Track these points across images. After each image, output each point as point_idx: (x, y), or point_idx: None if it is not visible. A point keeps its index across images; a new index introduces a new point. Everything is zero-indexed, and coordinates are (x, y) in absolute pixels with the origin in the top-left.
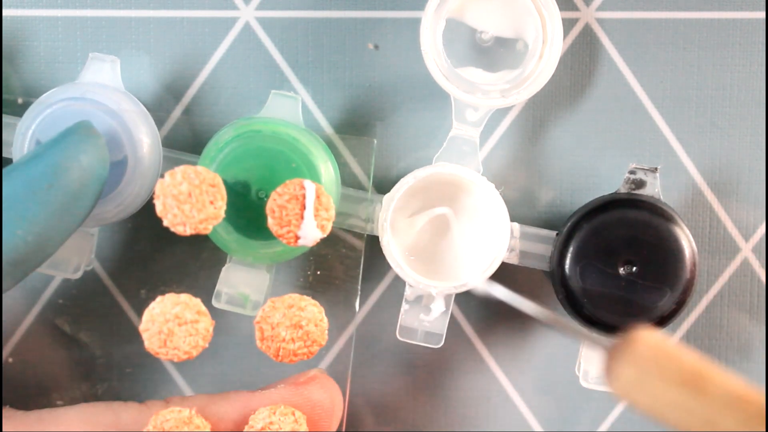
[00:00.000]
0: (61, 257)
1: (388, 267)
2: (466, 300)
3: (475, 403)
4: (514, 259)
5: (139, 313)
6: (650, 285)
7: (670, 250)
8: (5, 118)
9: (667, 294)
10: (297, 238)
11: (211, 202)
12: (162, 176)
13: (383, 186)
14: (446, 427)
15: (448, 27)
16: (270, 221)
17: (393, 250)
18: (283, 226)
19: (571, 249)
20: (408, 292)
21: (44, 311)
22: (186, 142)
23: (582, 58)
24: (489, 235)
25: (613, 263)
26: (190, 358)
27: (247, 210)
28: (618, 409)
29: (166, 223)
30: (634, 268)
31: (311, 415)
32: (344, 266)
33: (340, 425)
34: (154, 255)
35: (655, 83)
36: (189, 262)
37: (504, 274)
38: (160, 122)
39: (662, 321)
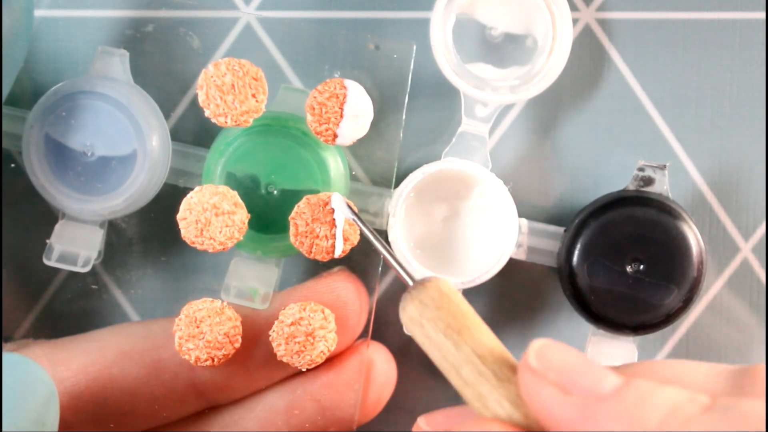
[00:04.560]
0: (71, 251)
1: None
2: (467, 299)
3: None
4: (522, 255)
5: (138, 307)
6: (657, 282)
7: (678, 248)
8: (14, 111)
9: (674, 292)
10: (335, 136)
11: (254, 95)
12: (171, 168)
13: (390, 181)
14: None
15: (457, 23)
16: (309, 118)
17: (401, 245)
18: (322, 124)
19: (578, 246)
20: None
21: (49, 305)
22: (194, 136)
23: (582, 58)
24: (497, 230)
25: (620, 261)
26: (225, 249)
27: (256, 204)
28: None
29: (207, 114)
30: (642, 266)
31: (339, 314)
32: (358, 261)
33: (366, 328)
34: (162, 248)
35: (655, 83)
36: (197, 255)
37: (512, 270)
38: (167, 116)
39: (669, 318)
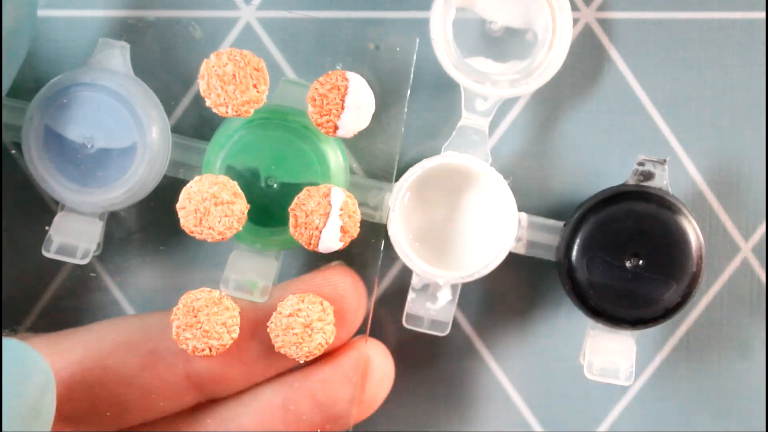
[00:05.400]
0: (69, 243)
1: (395, 255)
2: (466, 298)
3: (475, 402)
4: (521, 249)
5: (136, 297)
6: (656, 278)
7: (677, 243)
8: (14, 102)
9: (672, 287)
10: (336, 128)
11: (255, 86)
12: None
13: (391, 175)
14: (446, 427)
15: (457, 17)
16: (310, 109)
17: (401, 239)
18: (323, 115)
19: (578, 240)
20: (415, 281)
21: (48, 296)
22: (194, 128)
23: (582, 58)
24: (497, 224)
25: (619, 256)
26: (224, 239)
27: (256, 196)
28: (618, 409)
29: (208, 103)
30: (641, 261)
31: (336, 308)
32: (358, 254)
33: (364, 324)
34: (161, 239)
35: (655, 83)
36: (197, 246)
37: (511, 264)
38: (168, 109)
39: (667, 313)
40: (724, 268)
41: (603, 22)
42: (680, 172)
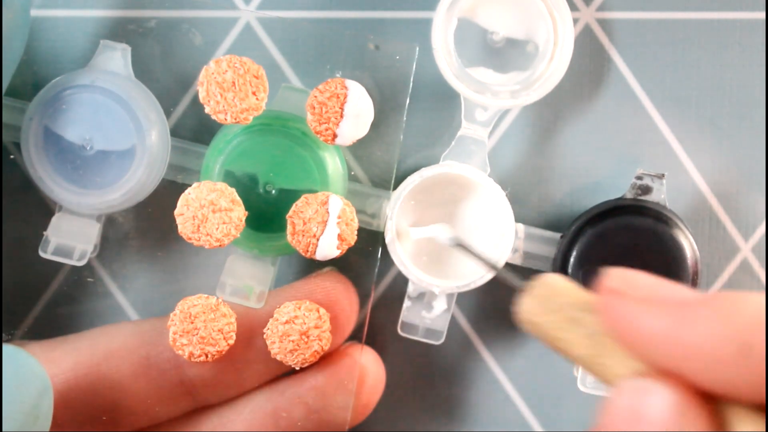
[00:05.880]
0: (67, 245)
1: (392, 263)
2: (467, 300)
3: (475, 403)
4: (518, 260)
5: (133, 301)
6: None
7: (673, 259)
8: (14, 102)
9: None
10: (335, 136)
11: (254, 93)
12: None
13: (389, 183)
14: (446, 427)
15: (459, 26)
16: (309, 117)
17: (397, 247)
18: (322, 123)
19: (574, 254)
20: (411, 289)
21: (45, 298)
22: (194, 132)
23: (582, 58)
24: (494, 234)
25: None
26: (222, 246)
27: (254, 202)
28: None
29: (207, 110)
30: None
31: (330, 313)
32: (355, 261)
33: (361, 330)
34: (159, 244)
35: (655, 83)
36: (194, 251)
37: None
38: (167, 111)
39: None
40: (724, 268)
41: (603, 22)
42: (680, 173)
